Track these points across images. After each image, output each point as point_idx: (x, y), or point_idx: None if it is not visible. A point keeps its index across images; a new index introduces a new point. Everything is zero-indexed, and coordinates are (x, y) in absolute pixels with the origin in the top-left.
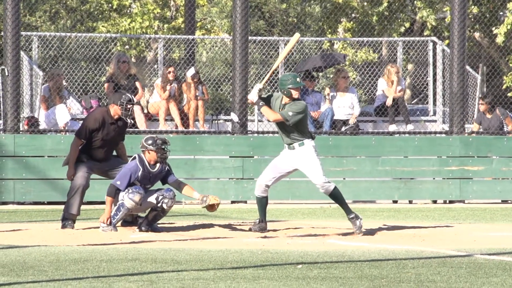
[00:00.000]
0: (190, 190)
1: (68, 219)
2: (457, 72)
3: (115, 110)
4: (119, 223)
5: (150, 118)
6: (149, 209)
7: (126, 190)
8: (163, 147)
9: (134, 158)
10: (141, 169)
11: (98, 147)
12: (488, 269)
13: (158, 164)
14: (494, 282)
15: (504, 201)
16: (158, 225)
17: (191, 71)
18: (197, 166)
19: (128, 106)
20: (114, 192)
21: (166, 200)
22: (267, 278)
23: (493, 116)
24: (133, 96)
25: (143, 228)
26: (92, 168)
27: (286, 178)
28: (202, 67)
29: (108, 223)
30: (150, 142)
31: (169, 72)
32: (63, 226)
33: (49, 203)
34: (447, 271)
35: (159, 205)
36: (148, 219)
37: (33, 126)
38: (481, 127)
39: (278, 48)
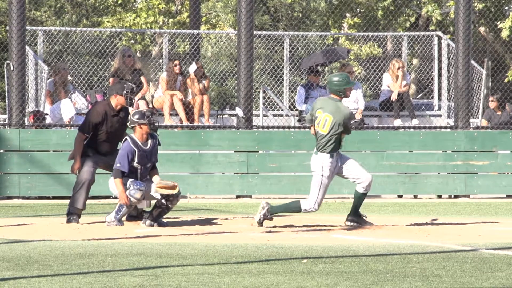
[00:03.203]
0: (155, 176)
1: (73, 214)
2: (462, 67)
3: (117, 101)
4: (124, 218)
5: (155, 112)
6: (154, 206)
7: (128, 186)
8: (152, 118)
9: (126, 139)
10: (136, 150)
11: (103, 140)
12: (493, 263)
13: (149, 141)
14: (499, 277)
15: (509, 196)
16: (163, 220)
17: (193, 67)
18: (202, 160)
19: (131, 95)
20: (120, 174)
21: (171, 198)
22: (272, 273)
23: (503, 113)
24: (133, 85)
25: (148, 223)
26: (98, 162)
27: (291, 173)
28: (207, 62)
29: (128, 202)
30: (138, 116)
31: (175, 66)
32: (68, 221)
33: (54, 197)
34: (452, 265)
35: (163, 200)
36: (153, 215)
37: (38, 120)
38: (489, 123)
39: (283, 42)
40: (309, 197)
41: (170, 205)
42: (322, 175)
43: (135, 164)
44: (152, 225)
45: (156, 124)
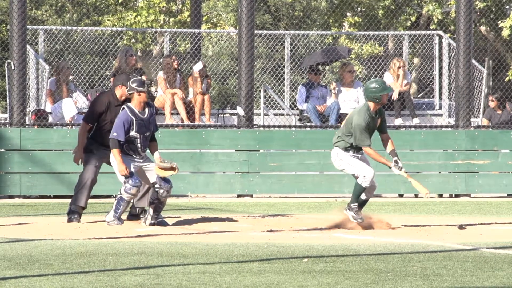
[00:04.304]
0: (155, 152)
1: (74, 213)
2: (463, 66)
3: (122, 91)
4: (124, 216)
5: (156, 112)
6: (149, 203)
7: (124, 182)
8: (148, 86)
9: (123, 108)
10: (134, 119)
11: (107, 131)
12: (494, 262)
13: (146, 109)
14: (500, 276)
15: (510, 195)
16: (164, 219)
17: (198, 66)
18: (203, 160)
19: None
20: (117, 144)
21: (161, 191)
22: (273, 272)
23: (504, 112)
24: (139, 77)
25: (148, 222)
26: (102, 158)
27: (292, 172)
28: (208, 61)
29: (128, 172)
30: (137, 83)
31: (174, 61)
32: (69, 220)
33: (55, 196)
34: (453, 264)
35: (155, 188)
36: (151, 213)
37: (39, 119)
38: (490, 122)
39: (284, 42)
40: (358, 177)
41: (161, 198)
42: (344, 161)
43: (134, 133)
44: (153, 224)
45: (153, 94)
